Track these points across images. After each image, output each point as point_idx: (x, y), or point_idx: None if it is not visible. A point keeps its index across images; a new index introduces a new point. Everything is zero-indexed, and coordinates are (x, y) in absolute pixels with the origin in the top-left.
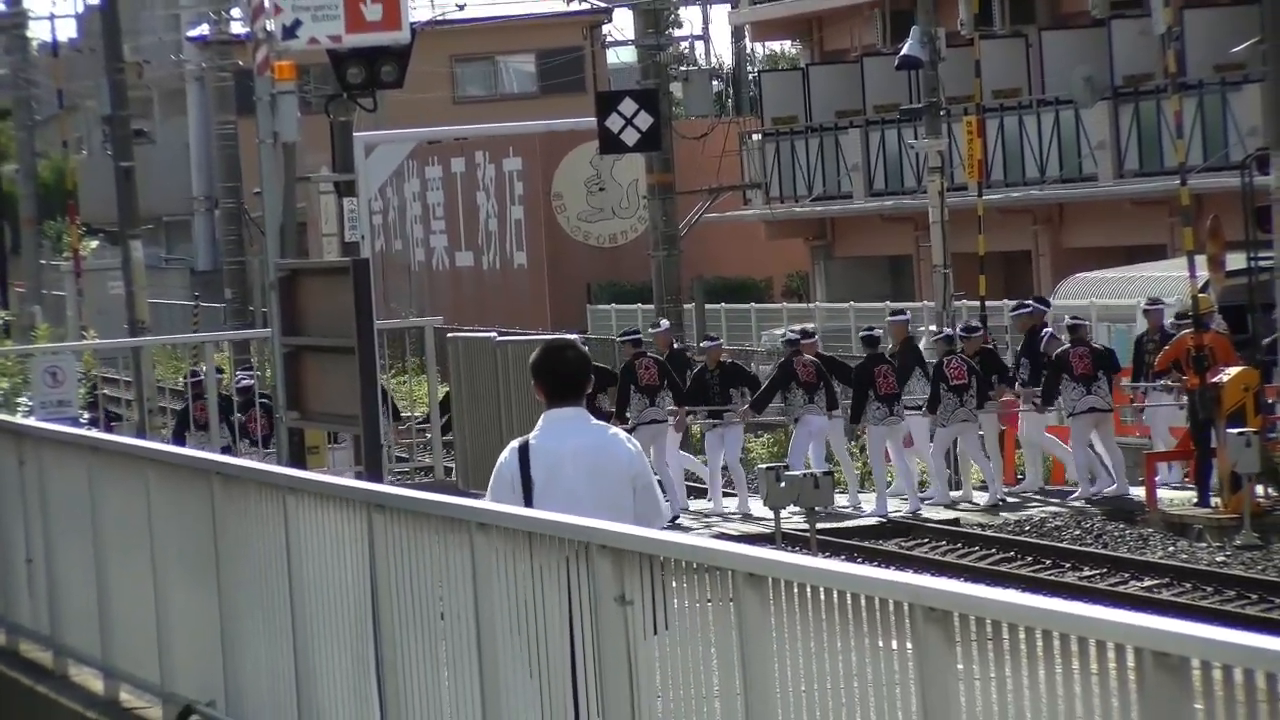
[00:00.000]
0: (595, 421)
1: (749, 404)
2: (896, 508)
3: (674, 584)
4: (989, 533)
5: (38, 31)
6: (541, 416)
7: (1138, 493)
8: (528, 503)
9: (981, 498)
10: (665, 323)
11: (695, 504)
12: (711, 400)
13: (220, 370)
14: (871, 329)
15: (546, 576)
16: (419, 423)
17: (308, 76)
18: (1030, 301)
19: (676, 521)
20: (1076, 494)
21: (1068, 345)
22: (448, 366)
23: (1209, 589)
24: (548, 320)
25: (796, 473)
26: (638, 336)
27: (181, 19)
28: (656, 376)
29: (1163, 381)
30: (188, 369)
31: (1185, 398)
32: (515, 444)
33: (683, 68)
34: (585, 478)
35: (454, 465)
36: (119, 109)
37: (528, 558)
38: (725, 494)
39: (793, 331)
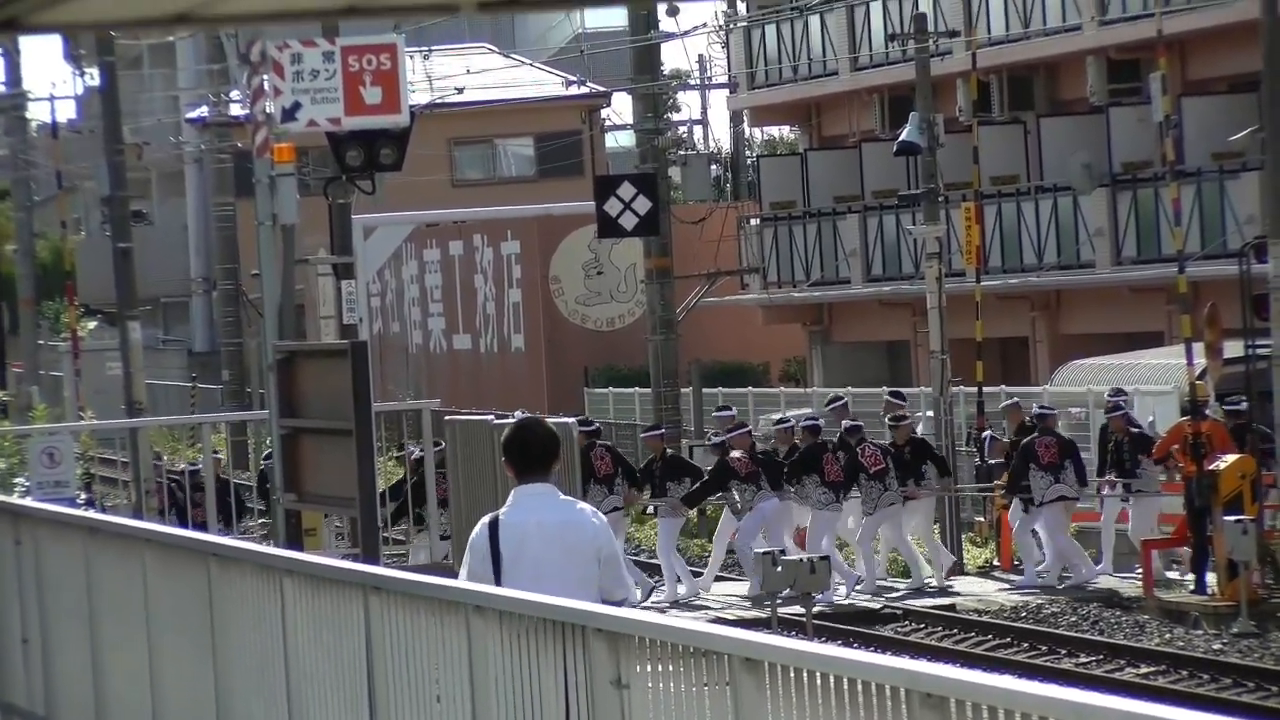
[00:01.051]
0: (563, 497)
1: (682, 498)
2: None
3: (670, 668)
4: (985, 619)
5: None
6: (511, 492)
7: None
8: (496, 575)
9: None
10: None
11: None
12: (654, 490)
13: (217, 452)
14: (815, 419)
15: (543, 659)
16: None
17: (307, 159)
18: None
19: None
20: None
21: (1035, 435)
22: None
23: (1205, 676)
24: (545, 403)
25: (793, 558)
26: (596, 427)
27: (181, 101)
28: (611, 465)
29: (1132, 472)
30: (185, 458)
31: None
32: (486, 519)
33: (681, 152)
34: (552, 552)
35: (449, 547)
36: (118, 190)
37: (525, 640)
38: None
39: (716, 435)
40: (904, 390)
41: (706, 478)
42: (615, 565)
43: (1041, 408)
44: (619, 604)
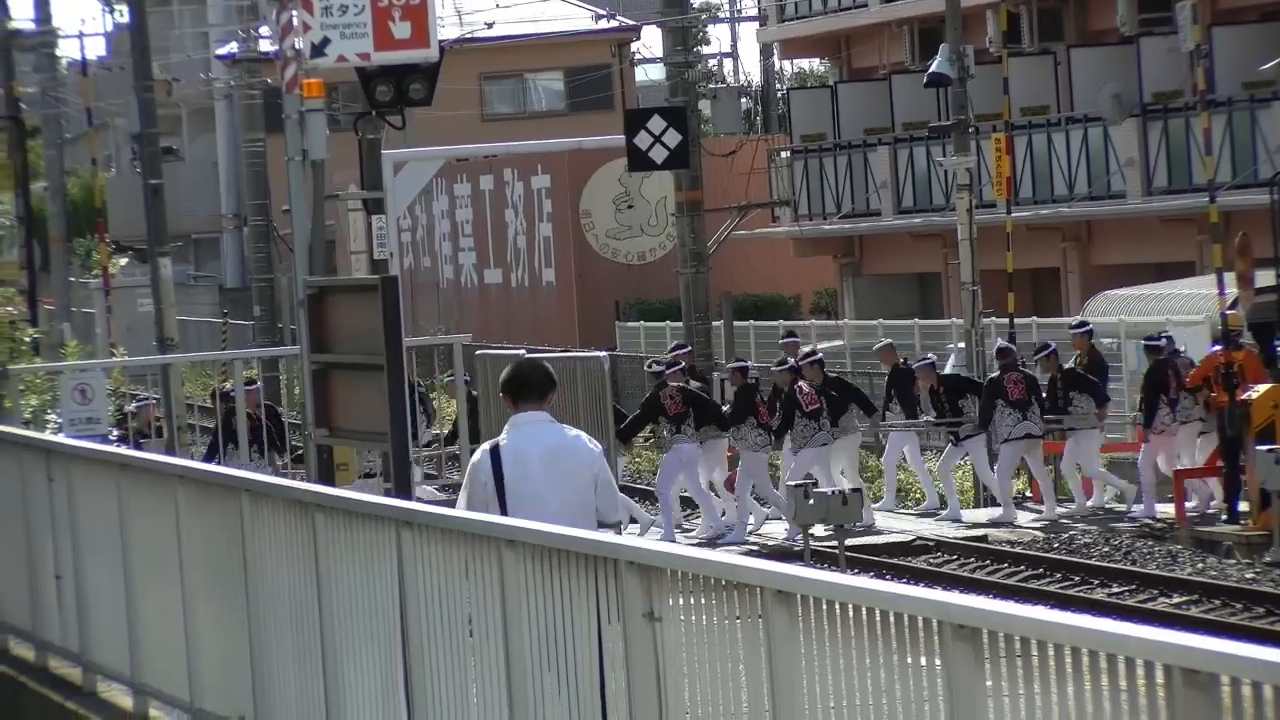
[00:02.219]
0: (560, 425)
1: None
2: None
3: (703, 600)
4: (1017, 549)
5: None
6: (509, 421)
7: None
8: (501, 500)
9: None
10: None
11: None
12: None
13: (252, 383)
14: (743, 361)
15: (575, 593)
16: (448, 438)
17: (336, 94)
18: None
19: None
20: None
21: (999, 372)
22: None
23: (1238, 606)
24: (576, 337)
25: (826, 490)
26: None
27: (210, 37)
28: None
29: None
30: (217, 385)
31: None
32: (486, 446)
33: (711, 85)
34: (552, 475)
35: None
36: (148, 127)
37: (556, 574)
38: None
39: (657, 363)
40: (936, 322)
41: (636, 414)
42: (610, 488)
43: (1003, 343)
44: (614, 526)
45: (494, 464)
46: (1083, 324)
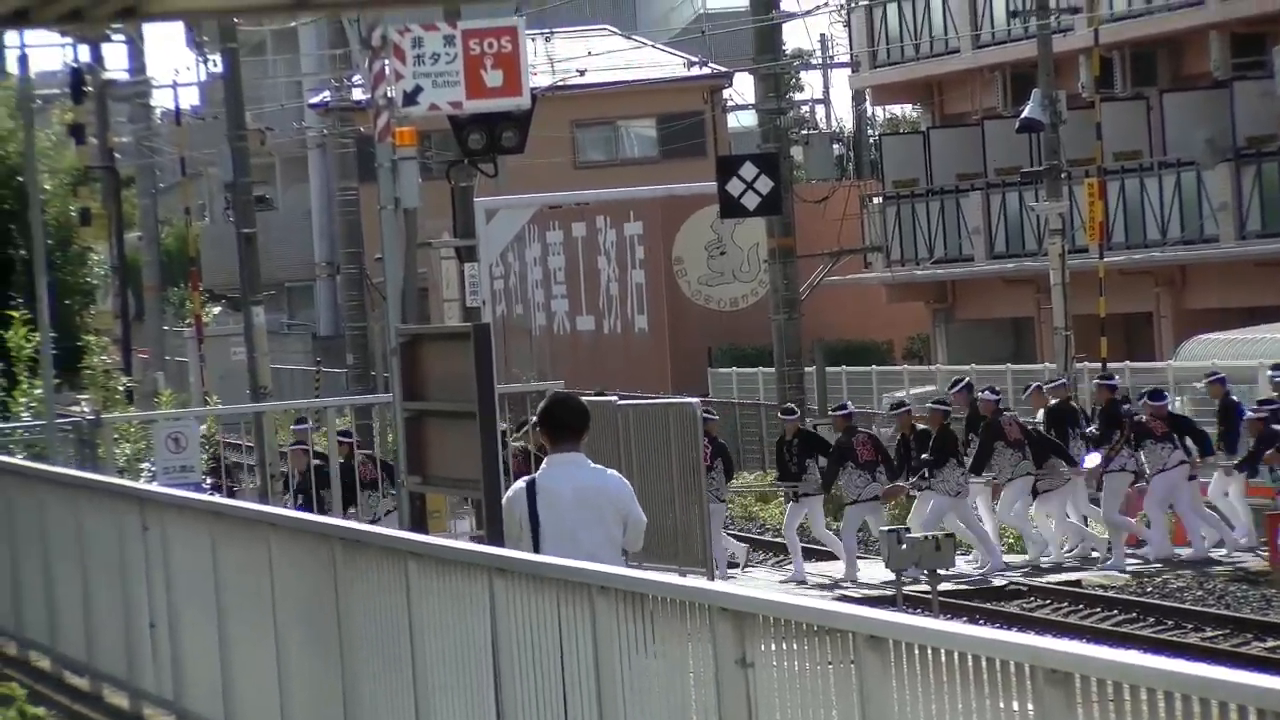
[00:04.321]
0: (594, 465)
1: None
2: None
3: (795, 646)
4: (1110, 594)
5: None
6: (545, 459)
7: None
8: (535, 535)
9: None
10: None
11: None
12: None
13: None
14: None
15: (666, 639)
16: None
17: (429, 142)
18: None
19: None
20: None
21: (1001, 413)
22: None
23: None
24: (669, 383)
25: (918, 535)
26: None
27: (303, 86)
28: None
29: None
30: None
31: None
32: (522, 483)
33: (803, 131)
34: (584, 514)
35: None
36: (241, 176)
37: (648, 620)
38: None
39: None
40: (1030, 367)
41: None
42: (638, 527)
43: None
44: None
45: (530, 501)
46: (1213, 373)
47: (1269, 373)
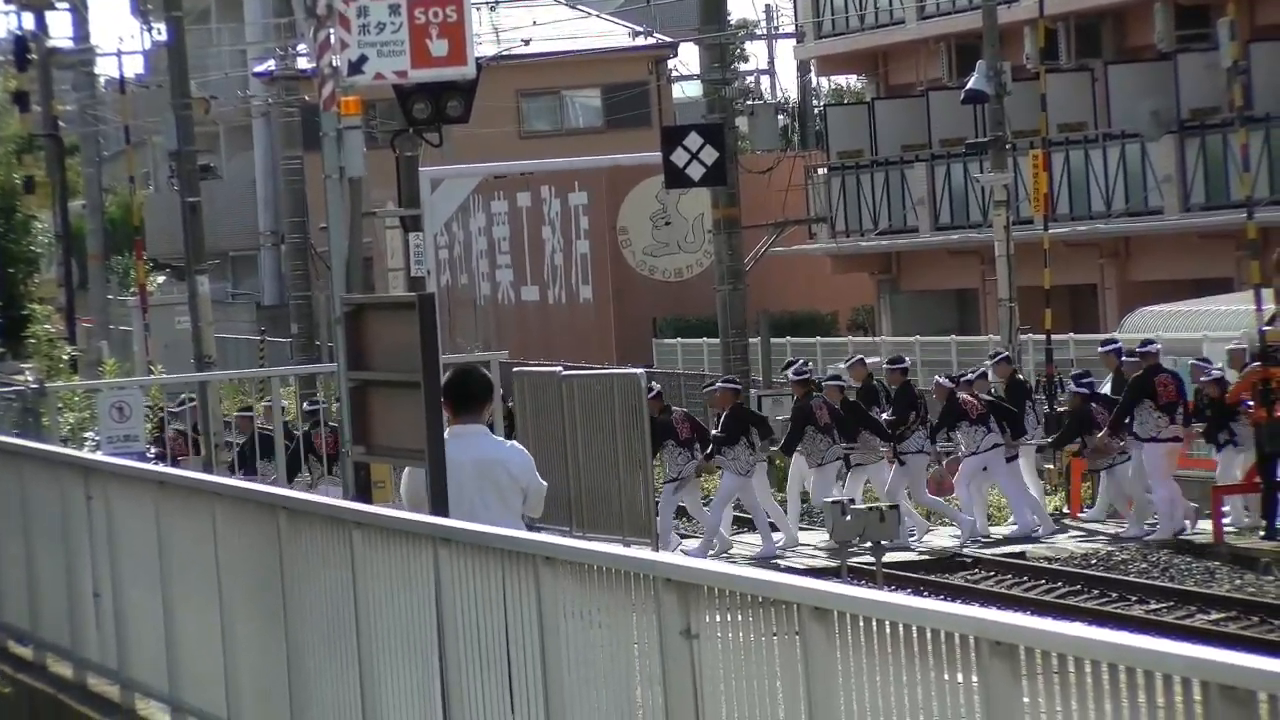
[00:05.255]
0: (494, 436)
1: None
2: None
3: (740, 617)
4: (1055, 566)
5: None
6: (447, 430)
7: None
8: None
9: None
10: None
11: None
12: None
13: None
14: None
15: (611, 609)
16: None
17: (373, 112)
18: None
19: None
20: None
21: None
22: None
23: (1276, 622)
24: (613, 354)
25: (862, 506)
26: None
27: (248, 55)
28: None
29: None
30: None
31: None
32: None
33: (748, 102)
34: (484, 484)
35: None
36: (185, 145)
37: (593, 591)
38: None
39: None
40: (974, 338)
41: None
42: (538, 496)
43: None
44: (533, 523)
45: None
46: (1110, 341)
47: (1231, 347)
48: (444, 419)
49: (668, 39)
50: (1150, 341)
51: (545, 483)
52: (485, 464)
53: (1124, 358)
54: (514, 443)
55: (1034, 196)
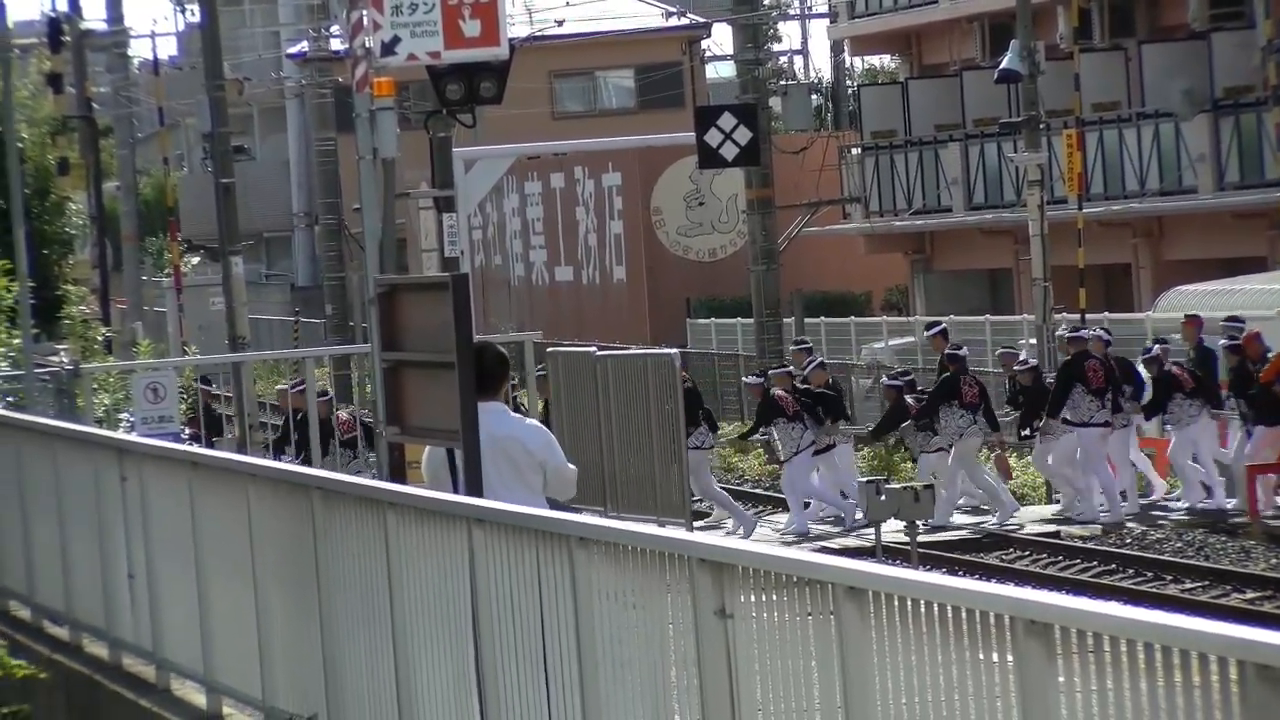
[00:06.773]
0: (513, 414)
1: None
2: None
3: (775, 597)
4: (1090, 545)
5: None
6: None
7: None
8: (454, 485)
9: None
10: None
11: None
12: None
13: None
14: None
15: (645, 590)
16: None
17: (407, 93)
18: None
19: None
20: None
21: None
22: (547, 381)
23: None
24: (647, 334)
25: (896, 486)
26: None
27: (281, 36)
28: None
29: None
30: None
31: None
32: None
33: (782, 82)
34: (500, 464)
35: None
36: (219, 126)
37: (627, 572)
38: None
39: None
40: (1008, 318)
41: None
42: (560, 474)
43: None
44: (568, 505)
45: (449, 451)
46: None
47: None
48: None
49: (701, 19)
50: (1082, 326)
51: (574, 466)
52: (501, 440)
53: (1202, 333)
54: (533, 420)
55: (1068, 176)
